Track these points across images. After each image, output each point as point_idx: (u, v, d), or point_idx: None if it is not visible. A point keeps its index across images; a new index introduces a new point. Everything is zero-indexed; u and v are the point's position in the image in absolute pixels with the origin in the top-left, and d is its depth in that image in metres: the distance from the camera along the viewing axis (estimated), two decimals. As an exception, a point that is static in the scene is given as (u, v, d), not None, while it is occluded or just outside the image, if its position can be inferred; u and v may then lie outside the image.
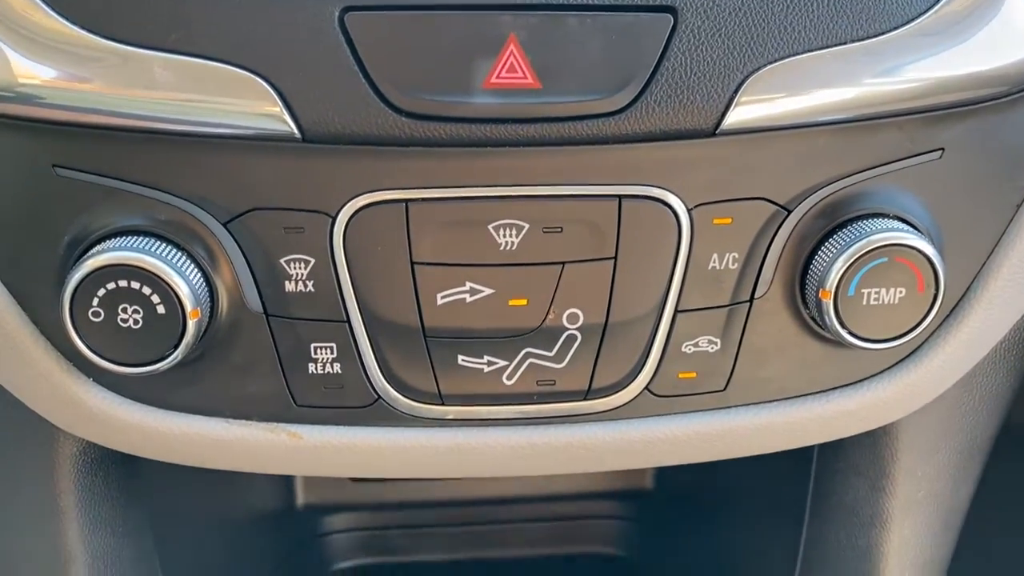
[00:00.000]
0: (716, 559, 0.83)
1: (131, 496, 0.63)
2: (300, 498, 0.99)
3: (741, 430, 0.54)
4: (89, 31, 0.44)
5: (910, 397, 0.55)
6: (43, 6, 0.44)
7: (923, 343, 0.54)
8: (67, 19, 0.44)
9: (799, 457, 0.68)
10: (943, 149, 0.49)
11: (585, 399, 0.52)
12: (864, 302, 0.49)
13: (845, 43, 0.46)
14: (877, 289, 0.48)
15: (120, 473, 0.61)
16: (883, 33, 0.46)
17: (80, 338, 0.46)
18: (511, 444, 0.53)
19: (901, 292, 0.49)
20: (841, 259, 0.48)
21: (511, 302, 0.49)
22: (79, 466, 0.58)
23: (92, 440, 0.56)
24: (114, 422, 0.51)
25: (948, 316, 0.53)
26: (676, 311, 0.50)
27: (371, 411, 0.51)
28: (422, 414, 0.51)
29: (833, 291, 0.48)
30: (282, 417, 0.52)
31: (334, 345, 0.50)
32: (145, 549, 0.64)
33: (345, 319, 0.49)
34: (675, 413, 0.53)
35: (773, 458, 0.74)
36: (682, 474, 0.97)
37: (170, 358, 0.47)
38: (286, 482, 0.97)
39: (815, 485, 0.67)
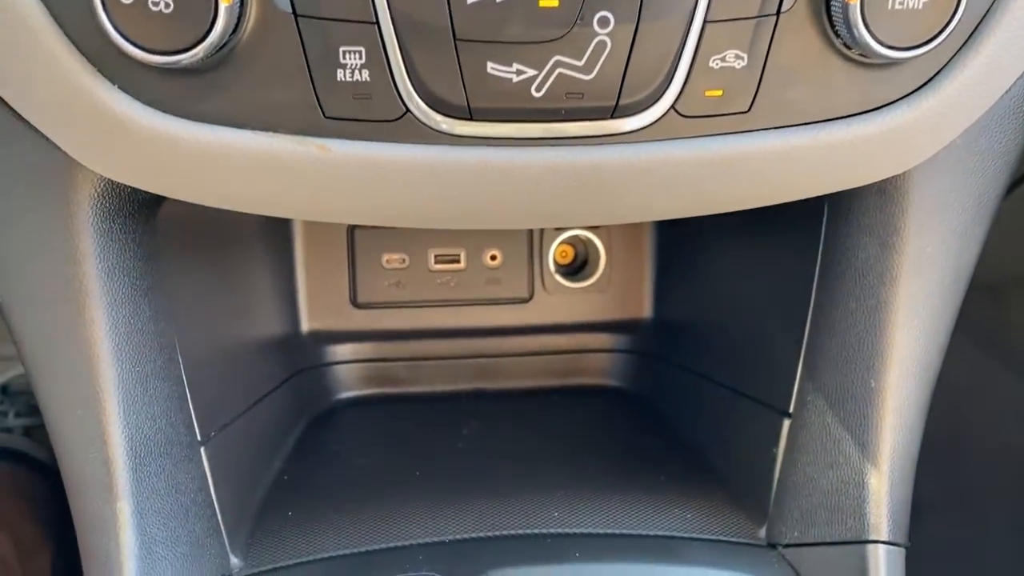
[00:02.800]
0: (723, 362, 0.85)
1: (149, 253, 0.62)
2: (305, 324, 0.99)
3: (764, 155, 0.54)
4: None
5: (928, 131, 0.56)
6: None
7: (940, 70, 0.55)
8: None
9: (807, 220, 0.70)
10: None
11: (612, 117, 0.52)
12: (889, 7, 0.49)
13: None
14: (903, -8, 0.49)
15: (137, 228, 0.60)
16: None
17: (109, 20, 0.46)
18: (539, 167, 0.53)
19: (926, -4, 0.49)
20: (869, -41, 0.48)
21: (541, 3, 0.49)
22: (97, 209, 0.57)
23: (110, 173, 0.55)
24: (140, 137, 0.51)
25: (966, 41, 0.54)
26: (705, 20, 0.50)
27: (400, 125, 0.51)
28: (451, 130, 0.51)
29: (861, -8, 0.49)
30: (311, 129, 0.51)
31: (363, 49, 0.49)
32: (163, 309, 0.64)
33: (374, 20, 0.49)
34: (700, 136, 0.54)
35: (780, 244, 0.76)
36: (680, 300, 0.99)
37: (200, 47, 0.46)
38: (291, 304, 0.98)
39: (824, 253, 0.68)
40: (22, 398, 1.47)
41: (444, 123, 0.51)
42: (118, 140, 0.52)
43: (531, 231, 1.01)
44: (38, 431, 1.36)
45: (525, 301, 1.02)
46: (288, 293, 0.97)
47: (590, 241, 1.03)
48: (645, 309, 1.04)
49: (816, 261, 0.69)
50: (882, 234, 0.64)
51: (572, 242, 1.04)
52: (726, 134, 0.54)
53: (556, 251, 1.03)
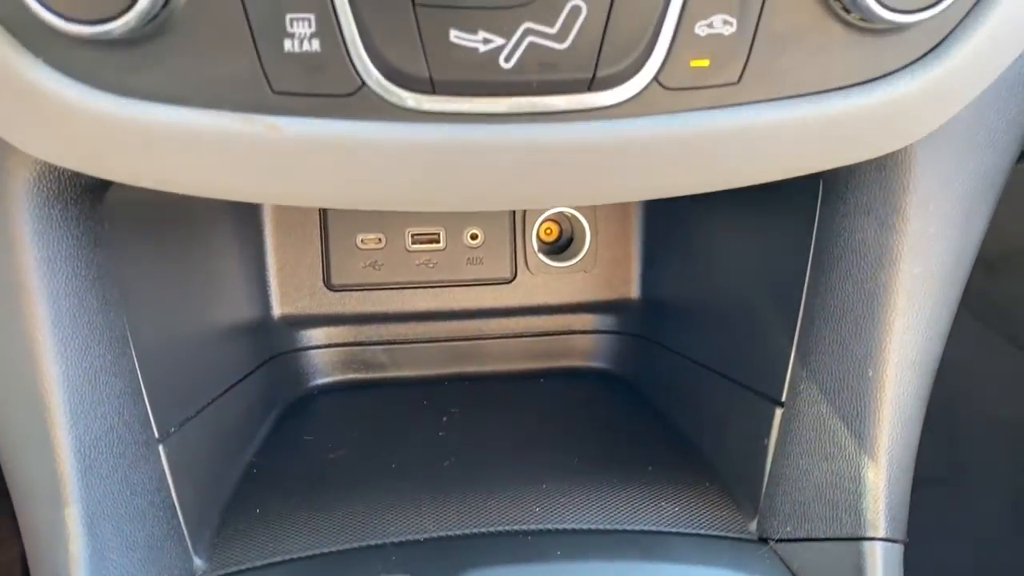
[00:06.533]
0: (713, 346, 0.81)
1: (95, 240, 0.58)
2: (276, 308, 0.95)
3: (755, 130, 0.50)
4: None
5: (932, 103, 0.52)
6: None
7: (946, 37, 0.50)
8: None
9: (800, 202, 0.65)
10: None
11: (589, 90, 0.48)
12: (894, -35, 0.45)
13: None
14: (909, -51, 0.45)
15: (79, 212, 0.56)
16: None
17: (25, -15, 0.41)
18: (508, 147, 0.49)
19: (934, -46, 0.45)
20: (872, -89, 0.44)
21: (509, -36, 0.44)
22: (33, 194, 0.53)
23: (43, 155, 0.50)
24: (72, 116, 0.46)
25: (974, 6, 0.50)
26: (690, -18, 0.46)
27: (355, 100, 0.47)
28: (411, 105, 0.47)
29: (863, -51, 0.44)
30: (258, 106, 0.46)
31: (312, 17, 0.45)
32: (112, 299, 0.59)
33: None
34: (685, 110, 0.49)
35: (771, 215, 0.72)
36: (669, 279, 0.95)
37: (131, 13, 0.42)
38: (261, 287, 0.93)
39: (818, 234, 0.64)
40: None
41: (404, 97, 0.47)
42: (48, 119, 0.47)
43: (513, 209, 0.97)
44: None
45: (508, 282, 0.98)
46: (257, 275, 0.93)
47: (575, 218, 0.98)
48: (633, 289, 1.00)
49: (810, 242, 0.65)
50: (881, 213, 0.60)
51: (557, 219, 1.00)
52: (713, 108, 0.49)
53: (540, 228, 0.99)
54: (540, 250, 0.99)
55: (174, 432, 0.66)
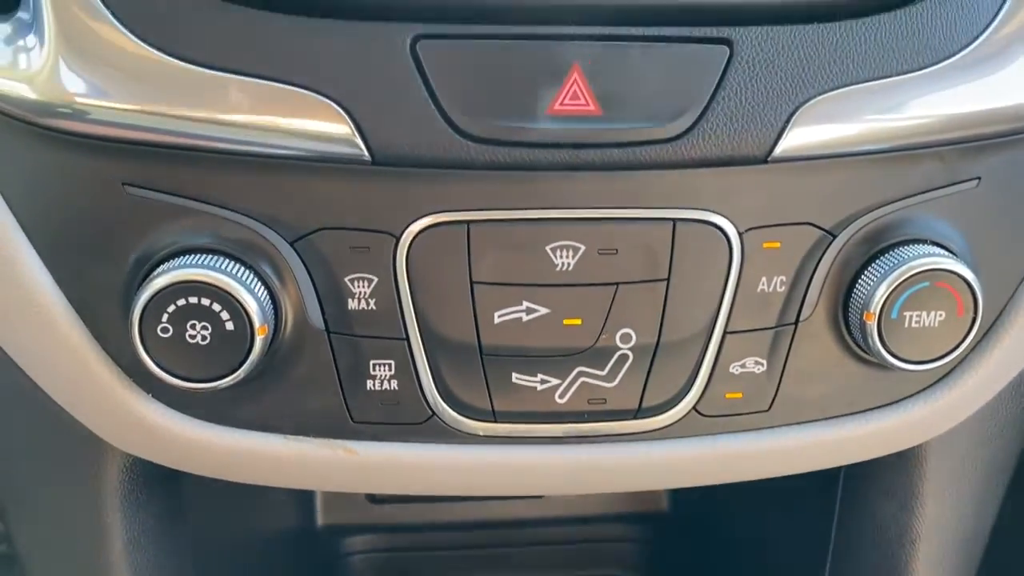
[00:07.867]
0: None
1: (173, 513, 0.63)
2: (320, 519, 0.99)
3: (784, 449, 0.55)
4: (164, 52, 0.45)
5: (944, 417, 0.57)
6: (119, 27, 0.45)
7: (957, 365, 0.56)
8: (143, 41, 0.45)
9: (824, 479, 0.70)
10: (979, 178, 0.51)
11: (635, 418, 0.53)
12: (906, 325, 0.50)
13: (890, 76, 0.48)
14: (919, 312, 0.50)
15: (163, 491, 0.61)
16: (926, 67, 0.48)
17: (148, 354, 0.47)
18: (562, 462, 0.54)
19: (941, 315, 0.51)
20: (885, 283, 0.49)
21: (566, 321, 0.50)
22: (125, 483, 0.58)
23: (149, 458, 0.56)
24: (174, 439, 0.52)
25: (981, 340, 0.55)
26: (725, 332, 0.52)
27: (425, 427, 0.52)
28: (475, 431, 0.52)
29: (877, 314, 0.50)
30: (339, 433, 0.52)
31: (392, 362, 0.51)
32: (185, 566, 0.64)
33: (404, 337, 0.50)
34: (721, 433, 0.54)
35: (797, 482, 0.76)
36: (700, 497, 0.98)
37: (236, 374, 0.48)
38: (307, 503, 0.97)
39: (841, 507, 0.68)
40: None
41: (469, 425, 0.52)
42: (152, 438, 0.53)
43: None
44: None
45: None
46: (305, 497, 0.98)
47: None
48: (662, 501, 1.03)
49: (834, 512, 0.69)
50: (901, 496, 0.64)
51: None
52: (746, 431, 0.55)
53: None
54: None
55: None
